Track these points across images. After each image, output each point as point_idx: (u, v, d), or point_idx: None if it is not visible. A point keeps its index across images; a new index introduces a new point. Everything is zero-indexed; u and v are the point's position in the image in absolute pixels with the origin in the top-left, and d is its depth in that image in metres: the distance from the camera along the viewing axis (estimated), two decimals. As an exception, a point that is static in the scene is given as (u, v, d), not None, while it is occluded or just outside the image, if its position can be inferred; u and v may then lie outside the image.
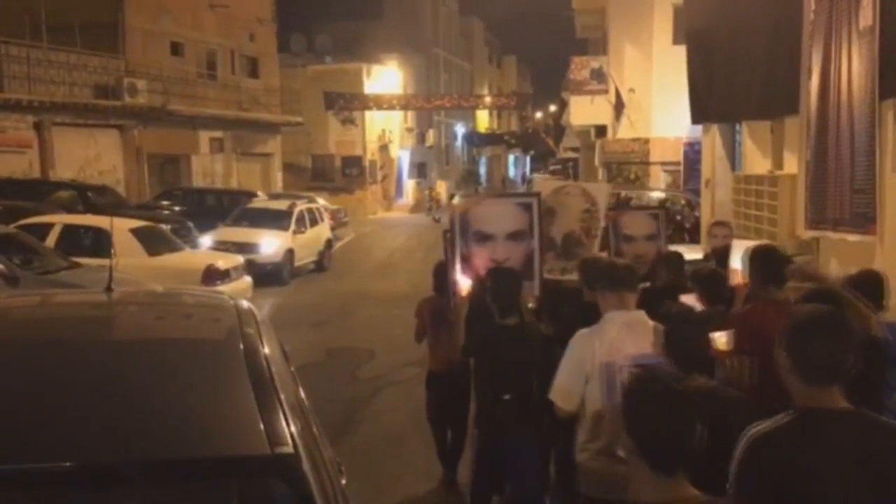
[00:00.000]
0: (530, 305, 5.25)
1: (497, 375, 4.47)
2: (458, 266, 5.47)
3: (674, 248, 7.24)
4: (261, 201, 20.25)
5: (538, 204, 5.69)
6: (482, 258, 5.45)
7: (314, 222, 18.73)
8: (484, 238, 5.58)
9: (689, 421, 2.07)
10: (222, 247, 15.40)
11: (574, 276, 5.40)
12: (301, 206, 18.84)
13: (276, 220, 17.47)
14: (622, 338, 3.74)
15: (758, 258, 4.50)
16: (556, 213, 6.23)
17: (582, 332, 3.89)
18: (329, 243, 19.45)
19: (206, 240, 16.24)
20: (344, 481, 2.76)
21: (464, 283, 5.19)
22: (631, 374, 2.34)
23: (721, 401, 3.12)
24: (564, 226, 6.26)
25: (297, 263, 17.22)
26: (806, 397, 2.31)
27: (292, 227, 17.39)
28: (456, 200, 6.90)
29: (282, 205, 18.73)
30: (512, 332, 4.45)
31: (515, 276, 4.82)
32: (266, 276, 15.40)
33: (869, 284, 4.21)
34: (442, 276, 5.64)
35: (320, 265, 18.58)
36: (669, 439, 2.07)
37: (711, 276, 5.00)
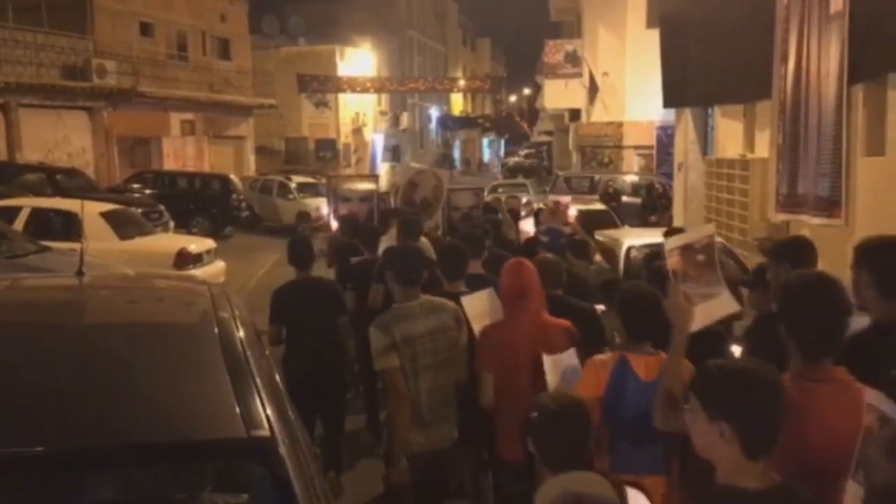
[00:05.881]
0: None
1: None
2: (332, 215, 9.85)
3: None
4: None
5: (377, 182, 11.05)
6: (344, 211, 9.51)
7: None
8: (345, 199, 10.07)
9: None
10: None
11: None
12: None
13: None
14: None
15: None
16: (417, 185, 9.90)
17: None
18: None
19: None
20: (323, 468, 2.75)
21: (334, 225, 9.33)
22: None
23: None
24: (422, 193, 9.76)
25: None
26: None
27: None
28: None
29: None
30: (355, 245, 6.97)
31: (357, 221, 8.26)
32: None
33: (593, 219, 6.32)
34: (364, 233, 7.16)
35: None
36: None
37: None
